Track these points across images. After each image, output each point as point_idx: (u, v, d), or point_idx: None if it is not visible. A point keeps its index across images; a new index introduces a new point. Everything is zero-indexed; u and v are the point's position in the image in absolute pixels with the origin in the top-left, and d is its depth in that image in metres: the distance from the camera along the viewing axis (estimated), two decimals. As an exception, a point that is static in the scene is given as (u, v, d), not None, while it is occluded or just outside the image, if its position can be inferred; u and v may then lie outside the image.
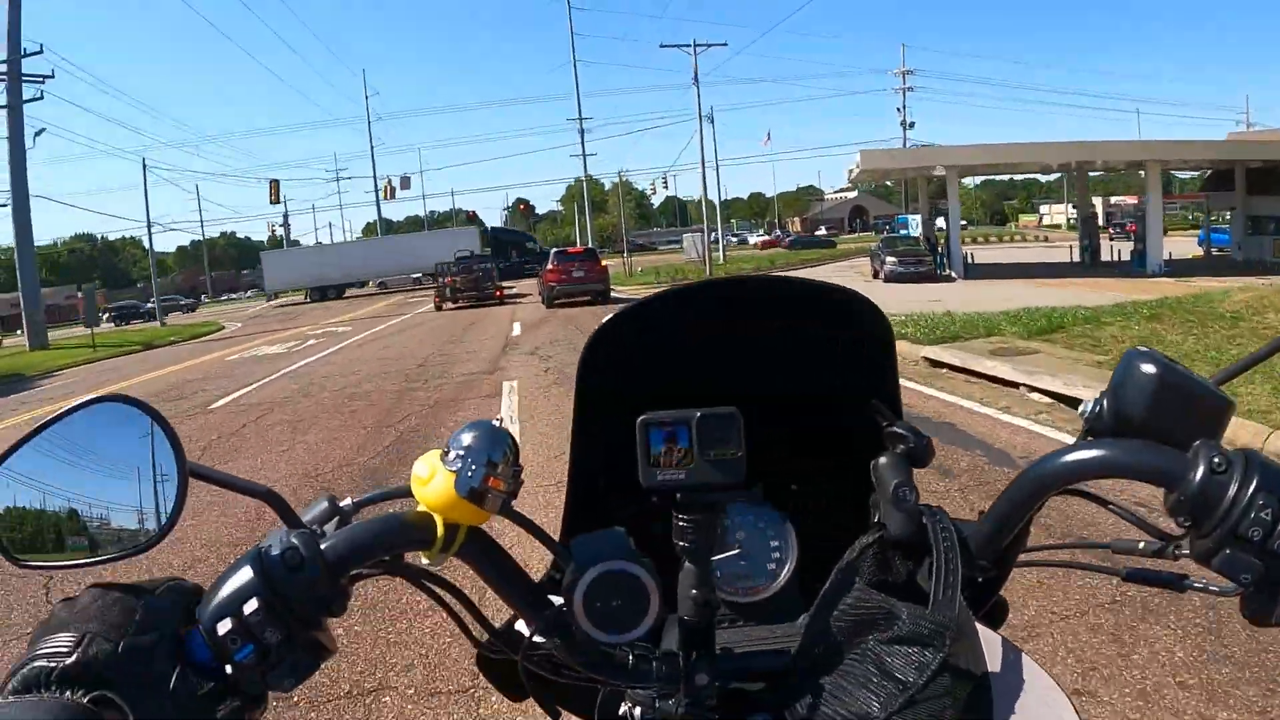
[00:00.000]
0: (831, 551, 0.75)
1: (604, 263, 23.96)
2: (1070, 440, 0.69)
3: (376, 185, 56.26)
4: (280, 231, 64.65)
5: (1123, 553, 0.70)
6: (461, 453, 0.62)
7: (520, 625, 0.72)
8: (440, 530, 0.62)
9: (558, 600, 0.66)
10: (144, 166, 38.62)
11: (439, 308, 26.31)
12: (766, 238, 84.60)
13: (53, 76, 28.89)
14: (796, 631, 0.79)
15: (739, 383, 0.83)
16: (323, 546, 0.60)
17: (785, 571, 0.85)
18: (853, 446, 0.83)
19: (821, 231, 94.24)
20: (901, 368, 1.07)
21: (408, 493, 0.66)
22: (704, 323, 0.90)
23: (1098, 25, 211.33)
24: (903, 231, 36.55)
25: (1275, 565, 0.54)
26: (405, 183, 42.65)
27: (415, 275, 44.47)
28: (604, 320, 0.87)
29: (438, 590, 0.69)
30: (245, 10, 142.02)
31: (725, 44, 37.00)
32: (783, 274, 0.97)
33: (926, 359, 9.43)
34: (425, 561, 0.64)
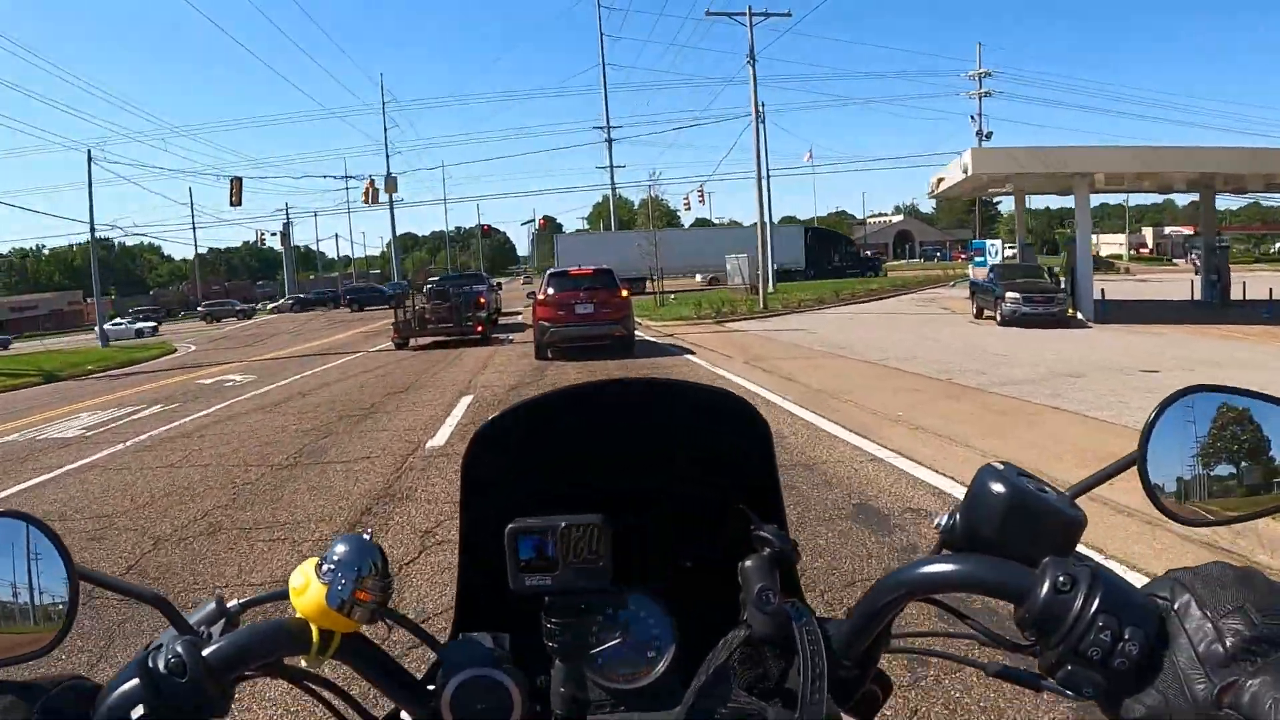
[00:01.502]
0: (711, 642, 0.77)
1: (625, 292, 15.51)
2: None
3: (392, 195, 48.92)
4: (272, 240, 58.03)
5: (988, 644, 0.71)
6: (333, 566, 0.66)
7: (405, 718, 0.75)
8: (316, 637, 0.66)
9: None
10: (89, 158, 31.68)
11: (400, 344, 19.14)
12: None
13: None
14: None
15: (620, 482, 0.88)
16: (205, 652, 0.63)
17: (664, 660, 0.85)
18: (724, 547, 0.85)
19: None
20: None
21: None
22: (586, 424, 0.92)
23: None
24: (978, 259, 32.56)
25: (1116, 680, 0.56)
26: (392, 185, 35.56)
27: (712, 275, 41.58)
28: (486, 420, 0.88)
29: (318, 689, 0.73)
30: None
31: (788, 13, 28.18)
32: (665, 378, 0.97)
33: None
34: (304, 663, 0.68)
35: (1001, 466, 0.68)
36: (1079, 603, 0.57)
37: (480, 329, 19.20)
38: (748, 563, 0.75)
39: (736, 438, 0.91)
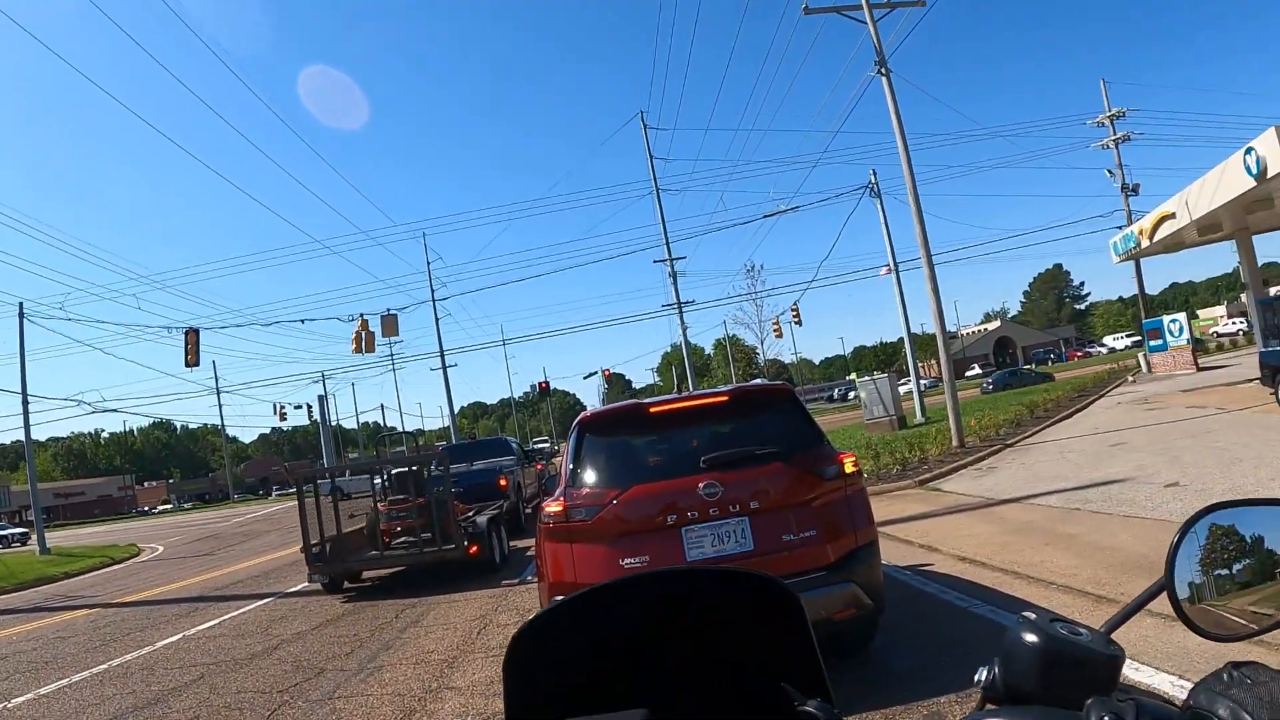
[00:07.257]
0: None
1: (850, 462, 4.68)
2: None
3: (445, 361, 42.01)
4: (296, 414, 51.55)
5: None
6: None
7: None
8: None
9: None
10: (20, 314, 26.22)
11: (329, 585, 10.90)
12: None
13: None
14: None
15: (661, 670, 0.91)
16: None
17: None
18: None
19: (975, 372, 77.48)
20: None
21: None
22: (625, 617, 0.94)
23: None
24: (1154, 343, 31.82)
25: None
26: (391, 327, 28.25)
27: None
28: (530, 618, 0.90)
29: None
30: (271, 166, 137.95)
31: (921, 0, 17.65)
32: (699, 566, 0.98)
33: None
34: None
35: (1033, 616, 0.69)
36: None
37: (475, 550, 10.44)
38: None
39: (773, 619, 0.91)
